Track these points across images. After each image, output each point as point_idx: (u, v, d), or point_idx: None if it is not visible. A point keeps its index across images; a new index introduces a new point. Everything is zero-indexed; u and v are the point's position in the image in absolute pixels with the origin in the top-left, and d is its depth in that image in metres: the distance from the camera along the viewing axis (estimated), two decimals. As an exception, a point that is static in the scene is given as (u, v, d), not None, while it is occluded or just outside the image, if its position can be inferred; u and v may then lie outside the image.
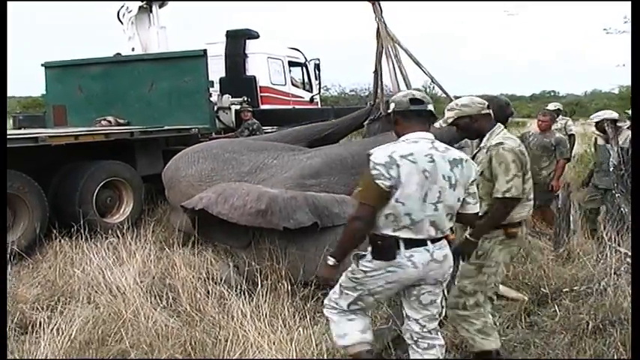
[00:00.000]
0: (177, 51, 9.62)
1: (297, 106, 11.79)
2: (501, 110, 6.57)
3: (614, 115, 6.43)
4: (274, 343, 3.47)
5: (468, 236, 3.34)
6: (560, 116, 9.24)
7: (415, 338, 3.07)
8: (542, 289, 4.56)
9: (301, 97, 12.30)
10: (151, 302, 4.18)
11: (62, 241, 5.85)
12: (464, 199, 2.95)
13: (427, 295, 2.99)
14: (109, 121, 9.18)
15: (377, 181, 2.77)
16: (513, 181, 3.26)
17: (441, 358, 3.08)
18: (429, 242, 2.88)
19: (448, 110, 3.53)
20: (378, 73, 6.54)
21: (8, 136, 6.08)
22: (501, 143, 3.37)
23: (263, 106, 11.03)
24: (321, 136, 7.21)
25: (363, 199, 2.87)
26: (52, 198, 6.71)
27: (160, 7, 11.15)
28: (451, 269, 3.03)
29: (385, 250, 2.87)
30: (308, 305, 4.38)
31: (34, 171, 6.46)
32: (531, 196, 3.47)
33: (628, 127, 6.25)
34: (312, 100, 12.60)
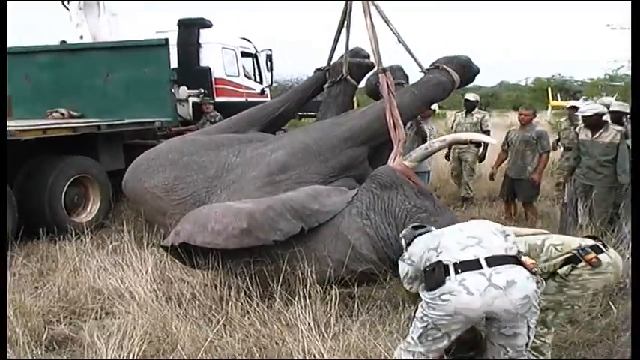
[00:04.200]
0: (137, 40, 9.07)
1: (249, 99, 11.50)
2: (464, 69, 6.28)
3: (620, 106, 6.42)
4: (344, 352, 3.33)
5: None
6: (477, 109, 8.54)
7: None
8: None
9: (253, 89, 12.03)
10: (177, 312, 3.92)
11: (48, 243, 5.43)
12: None
13: (509, 329, 2.86)
14: (62, 114, 8.57)
15: None
16: None
17: None
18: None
19: None
20: (342, 29, 6.04)
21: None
22: None
23: (218, 99, 10.68)
24: (275, 115, 6.86)
25: None
26: (17, 197, 6.21)
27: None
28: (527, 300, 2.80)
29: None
30: (336, 307, 4.23)
31: (0, 168, 5.95)
32: None
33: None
34: (262, 92, 12.36)
